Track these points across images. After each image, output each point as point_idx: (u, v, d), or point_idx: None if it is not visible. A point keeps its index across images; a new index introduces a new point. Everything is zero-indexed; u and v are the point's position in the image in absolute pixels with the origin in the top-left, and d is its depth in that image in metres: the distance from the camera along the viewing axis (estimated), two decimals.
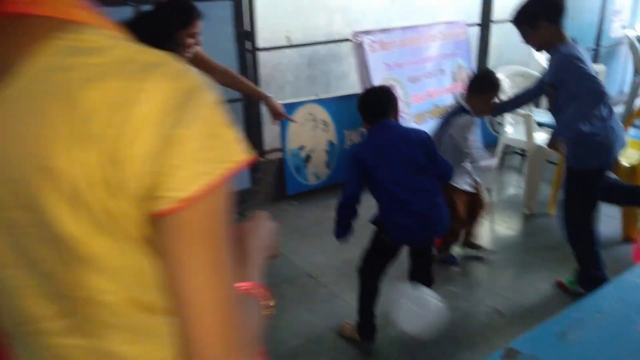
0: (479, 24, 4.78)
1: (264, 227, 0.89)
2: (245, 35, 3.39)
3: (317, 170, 4.00)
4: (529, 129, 3.41)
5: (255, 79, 3.60)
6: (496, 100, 2.76)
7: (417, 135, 2.20)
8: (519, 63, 5.21)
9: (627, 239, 3.16)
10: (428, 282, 2.33)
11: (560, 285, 2.71)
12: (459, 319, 2.51)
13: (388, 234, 2.21)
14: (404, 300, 2.19)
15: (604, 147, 2.41)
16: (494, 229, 3.47)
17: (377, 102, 2.21)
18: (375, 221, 2.26)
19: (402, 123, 2.37)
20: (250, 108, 3.55)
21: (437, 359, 2.28)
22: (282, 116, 2.65)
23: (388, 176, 2.13)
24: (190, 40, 2.19)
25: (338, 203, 2.22)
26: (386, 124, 2.18)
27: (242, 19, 3.35)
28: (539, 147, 3.45)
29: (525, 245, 3.19)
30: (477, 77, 2.73)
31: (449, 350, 2.31)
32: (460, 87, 4.53)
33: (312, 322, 2.54)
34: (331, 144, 4.03)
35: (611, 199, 2.66)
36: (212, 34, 3.24)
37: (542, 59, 5.19)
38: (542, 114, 4.36)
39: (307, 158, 3.94)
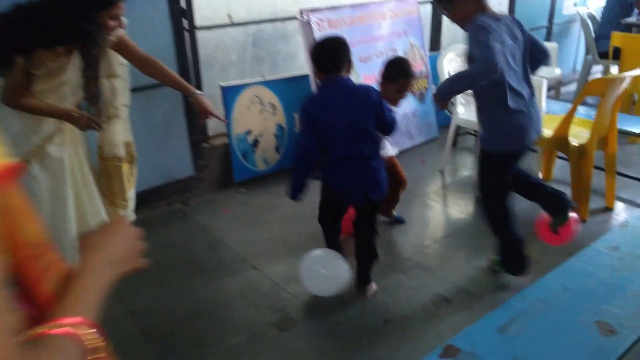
0: (430, 1, 4.66)
1: (119, 236, 0.73)
2: (181, 13, 3.16)
3: (266, 156, 3.83)
4: None
5: (195, 60, 3.39)
6: (410, 89, 2.64)
7: (366, 96, 2.19)
8: None
9: None
10: (368, 240, 2.45)
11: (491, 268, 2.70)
12: (406, 308, 2.42)
13: (328, 189, 2.38)
14: (312, 263, 2.36)
15: (517, 133, 2.32)
16: (446, 212, 3.40)
17: (331, 53, 2.20)
18: (318, 176, 2.36)
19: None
20: None
21: (380, 349, 2.18)
22: (209, 114, 2.46)
23: (330, 135, 2.20)
24: (112, 23, 1.99)
25: (293, 159, 2.33)
26: (336, 82, 2.19)
27: None
28: None
29: (477, 228, 3.12)
30: (389, 64, 2.58)
31: (394, 341, 2.22)
32: (413, 66, 4.42)
33: (255, 317, 2.40)
34: (280, 127, 3.87)
35: (518, 191, 2.58)
36: (144, 12, 3.02)
37: None
38: None
39: (255, 143, 3.77)
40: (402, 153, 4.26)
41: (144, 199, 3.35)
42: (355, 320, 2.35)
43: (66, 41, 1.94)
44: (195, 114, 3.38)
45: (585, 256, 1.96)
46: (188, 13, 3.23)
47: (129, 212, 2.65)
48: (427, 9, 4.71)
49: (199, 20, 3.35)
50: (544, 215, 2.64)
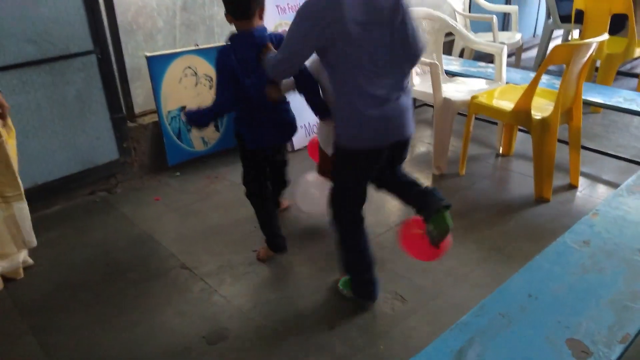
0: None
1: None
2: None
3: (204, 134, 3.44)
4: (435, 79, 3.01)
5: (112, 26, 2.93)
6: None
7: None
8: (429, 5, 4.79)
9: (540, 199, 2.90)
10: (283, 184, 2.67)
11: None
12: (355, 311, 2.13)
13: (245, 141, 2.26)
14: (305, 185, 2.64)
15: (368, 130, 1.84)
16: None
17: None
18: (236, 133, 2.30)
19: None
20: (106, 61, 2.90)
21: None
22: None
23: (248, 90, 2.11)
24: None
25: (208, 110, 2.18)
26: (250, 34, 2.06)
27: None
28: (448, 100, 3.08)
29: None
30: None
31: (341, 352, 1.93)
32: None
33: (181, 329, 2.08)
34: None
35: (386, 188, 2.17)
36: None
37: (456, 0, 4.80)
38: (454, 62, 4.00)
39: None
40: None
41: (60, 188, 2.95)
42: (295, 329, 2.05)
43: None
44: (114, 86, 2.98)
45: (552, 253, 1.71)
46: None
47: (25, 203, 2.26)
48: None
49: None
50: (414, 220, 2.05)
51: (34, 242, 2.36)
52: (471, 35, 3.49)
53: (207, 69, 3.35)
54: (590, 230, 1.81)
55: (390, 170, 2.11)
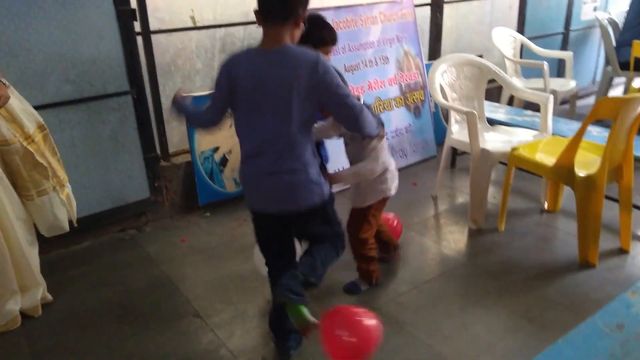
0: (429, 4, 4.21)
1: None
2: (130, 15, 2.78)
3: (235, 176, 3.43)
4: (472, 128, 2.87)
5: (151, 67, 3.00)
6: None
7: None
8: (477, 49, 4.68)
9: (585, 263, 2.65)
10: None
11: None
12: None
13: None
14: None
15: (246, 191, 1.90)
16: (432, 248, 2.94)
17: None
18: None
19: None
20: (141, 102, 2.96)
21: None
22: None
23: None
24: None
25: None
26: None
27: None
28: (486, 151, 2.92)
29: (468, 271, 2.67)
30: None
31: None
32: (407, 76, 3.99)
33: None
34: None
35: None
36: (86, 12, 2.64)
37: (506, 45, 4.65)
38: (499, 110, 3.84)
39: (223, 161, 3.38)
40: None
41: (91, 224, 2.99)
42: None
43: None
44: (149, 126, 3.03)
45: (578, 337, 1.51)
46: (141, 15, 2.85)
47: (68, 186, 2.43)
48: (426, 13, 4.26)
49: (155, 23, 2.98)
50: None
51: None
52: (515, 83, 3.33)
53: None
54: (626, 311, 1.60)
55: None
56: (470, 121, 2.87)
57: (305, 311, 1.72)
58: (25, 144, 2.17)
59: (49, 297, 2.47)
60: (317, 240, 1.95)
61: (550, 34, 5.11)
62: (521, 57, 4.83)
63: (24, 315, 2.36)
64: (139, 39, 2.89)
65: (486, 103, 3.83)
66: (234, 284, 2.60)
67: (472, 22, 4.72)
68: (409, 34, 3.97)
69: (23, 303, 2.33)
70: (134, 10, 2.78)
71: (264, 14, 1.71)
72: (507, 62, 4.58)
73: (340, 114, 1.79)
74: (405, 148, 3.99)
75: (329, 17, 3.47)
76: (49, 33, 2.55)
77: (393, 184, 2.36)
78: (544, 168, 2.69)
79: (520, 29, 4.90)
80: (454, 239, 2.99)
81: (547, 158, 2.72)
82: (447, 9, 4.32)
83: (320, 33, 2.14)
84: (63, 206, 2.39)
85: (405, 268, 2.70)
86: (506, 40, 4.66)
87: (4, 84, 2.09)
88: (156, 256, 2.89)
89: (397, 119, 3.93)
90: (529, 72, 4.80)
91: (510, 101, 4.59)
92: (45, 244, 2.65)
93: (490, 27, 4.71)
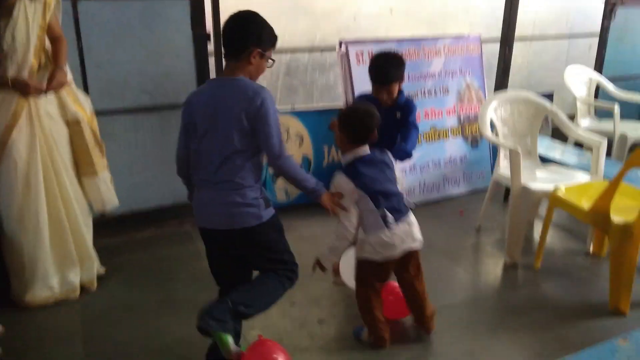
0: (499, 41, 4.24)
1: None
2: (205, 38, 3.14)
3: (287, 187, 3.68)
4: (514, 166, 2.91)
5: None
6: None
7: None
8: (550, 86, 4.63)
9: (615, 310, 2.59)
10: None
11: None
12: None
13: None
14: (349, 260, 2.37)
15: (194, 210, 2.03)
16: (464, 277, 2.98)
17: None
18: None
19: None
20: None
21: None
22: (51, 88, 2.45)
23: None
24: None
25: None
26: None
27: (201, 20, 3.10)
28: (527, 189, 2.94)
29: (486, 302, 2.69)
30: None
31: None
32: (467, 108, 4.05)
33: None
34: (306, 159, 3.70)
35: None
36: (165, 33, 3.04)
37: (579, 84, 4.56)
38: (557, 147, 3.78)
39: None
40: (441, 201, 3.89)
41: (153, 216, 3.36)
42: None
43: None
44: None
45: None
46: (215, 38, 3.20)
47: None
48: (496, 49, 4.29)
49: None
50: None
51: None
52: (569, 123, 3.30)
53: (300, 128, 3.61)
54: (609, 356, 1.62)
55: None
56: (513, 158, 2.91)
57: (228, 340, 1.72)
58: (89, 125, 2.58)
59: (101, 269, 2.83)
60: (263, 270, 1.99)
61: (630, 77, 4.91)
62: (597, 97, 4.69)
63: (81, 288, 2.72)
64: (211, 59, 3.23)
65: (546, 140, 3.81)
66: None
67: (546, 59, 4.68)
68: (473, 67, 4.04)
69: (82, 275, 2.69)
70: (208, 34, 3.14)
71: (224, 50, 1.92)
72: (578, 103, 4.48)
73: (263, 147, 1.90)
74: (458, 177, 4.04)
75: (390, 49, 3.64)
76: (134, 51, 2.97)
77: (382, 252, 2.19)
78: (581, 212, 2.67)
79: (599, 69, 4.77)
80: (486, 270, 3.02)
81: (586, 202, 2.70)
82: (519, 45, 4.33)
83: (370, 71, 2.48)
84: (111, 183, 2.76)
85: (429, 290, 2.77)
86: (580, 79, 4.56)
87: (65, 72, 2.48)
88: (203, 252, 3.17)
89: (452, 148, 4.00)
90: (605, 113, 4.65)
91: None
92: (112, 229, 3.04)
93: (566, 64, 4.63)
